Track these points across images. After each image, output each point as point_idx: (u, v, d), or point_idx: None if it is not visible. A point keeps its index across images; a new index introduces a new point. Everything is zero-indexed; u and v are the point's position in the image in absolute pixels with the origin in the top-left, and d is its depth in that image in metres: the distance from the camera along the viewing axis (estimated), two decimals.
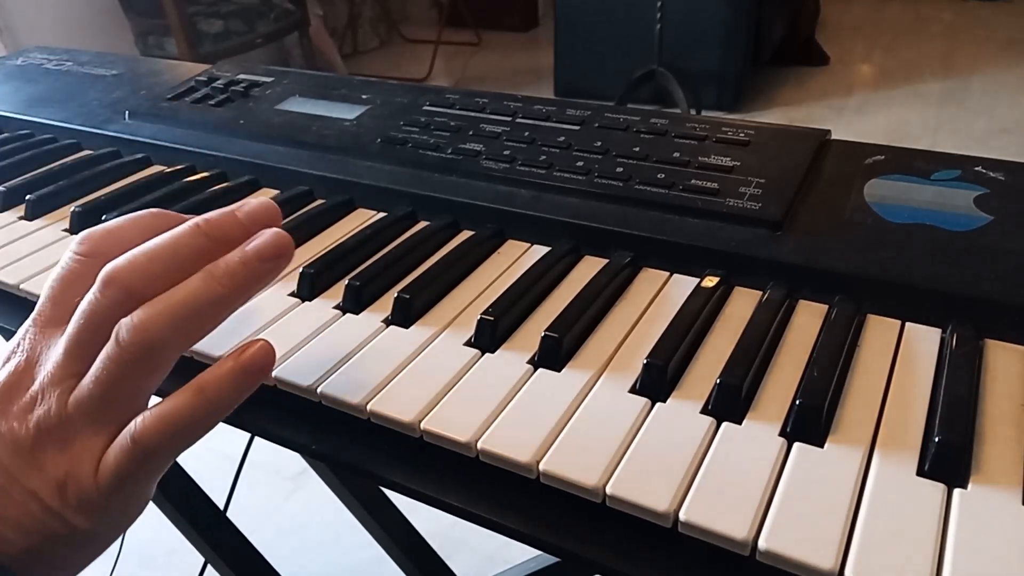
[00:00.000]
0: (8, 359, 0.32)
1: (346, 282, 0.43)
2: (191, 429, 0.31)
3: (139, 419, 0.31)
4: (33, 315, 0.33)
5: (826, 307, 0.40)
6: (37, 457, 0.30)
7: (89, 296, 0.31)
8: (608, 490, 0.30)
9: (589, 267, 0.45)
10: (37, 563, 0.30)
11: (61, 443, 0.30)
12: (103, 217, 0.52)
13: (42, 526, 0.30)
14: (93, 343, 0.31)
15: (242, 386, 0.32)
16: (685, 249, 0.44)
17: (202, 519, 0.88)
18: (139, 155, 0.63)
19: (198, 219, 0.33)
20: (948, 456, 0.30)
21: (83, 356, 0.31)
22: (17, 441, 0.30)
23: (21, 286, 0.47)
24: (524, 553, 1.08)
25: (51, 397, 0.31)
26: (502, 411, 0.35)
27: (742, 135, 0.51)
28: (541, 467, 0.32)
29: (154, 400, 0.32)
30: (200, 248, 0.33)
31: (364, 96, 0.63)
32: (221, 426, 0.37)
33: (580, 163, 0.50)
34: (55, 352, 0.31)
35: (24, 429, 0.30)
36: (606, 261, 0.45)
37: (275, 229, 0.33)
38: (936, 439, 0.30)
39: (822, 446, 0.32)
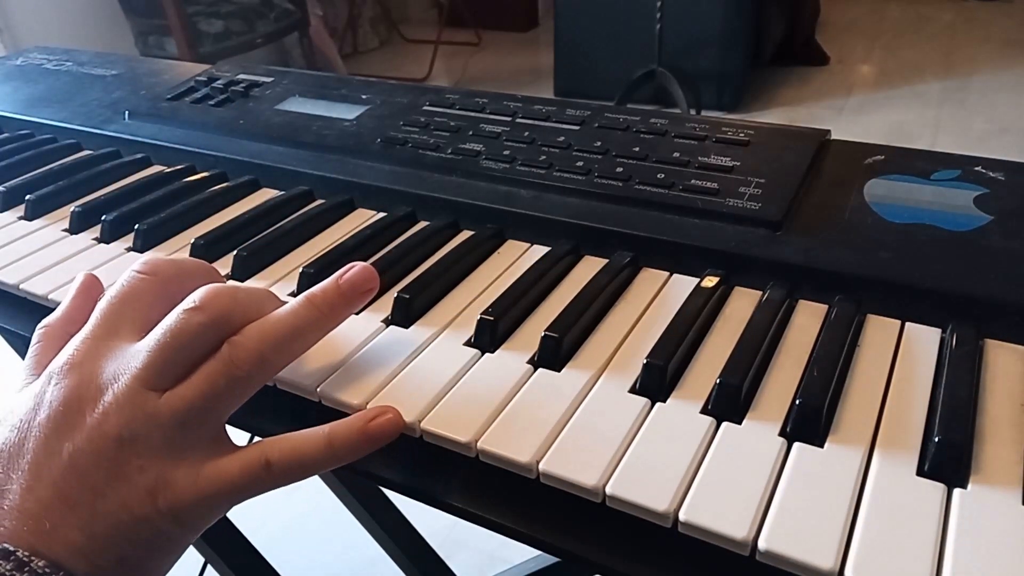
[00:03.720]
0: (65, 370, 0.32)
1: None
2: (310, 470, 0.33)
3: (273, 446, 0.32)
4: (90, 326, 0.33)
5: (826, 307, 0.40)
6: (122, 466, 0.30)
7: (180, 313, 0.32)
8: (608, 490, 0.30)
9: (589, 267, 0.45)
10: (127, 572, 0.30)
11: (149, 451, 0.30)
12: (103, 218, 0.52)
13: (132, 534, 0.30)
14: (178, 358, 0.31)
15: (364, 449, 0.33)
16: (685, 249, 0.44)
17: None
18: (139, 155, 0.63)
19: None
20: (948, 456, 0.30)
21: (166, 369, 0.31)
22: (99, 452, 0.30)
23: (21, 286, 0.47)
24: (524, 553, 1.08)
25: (133, 406, 0.30)
26: (502, 411, 0.35)
27: (742, 135, 0.51)
28: (541, 467, 0.32)
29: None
30: (270, 299, 0.36)
31: (364, 96, 0.63)
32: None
33: (580, 163, 0.50)
34: (130, 362, 0.31)
35: (104, 439, 0.30)
36: (606, 261, 0.45)
37: (364, 263, 0.37)
38: (936, 439, 0.30)
39: (822, 446, 0.32)
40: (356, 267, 0.37)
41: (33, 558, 0.27)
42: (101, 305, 0.34)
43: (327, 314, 0.35)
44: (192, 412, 0.31)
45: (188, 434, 0.31)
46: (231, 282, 0.35)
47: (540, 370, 0.37)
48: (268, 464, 0.32)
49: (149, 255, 0.36)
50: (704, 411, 0.34)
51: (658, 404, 0.35)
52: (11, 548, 0.27)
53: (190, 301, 0.32)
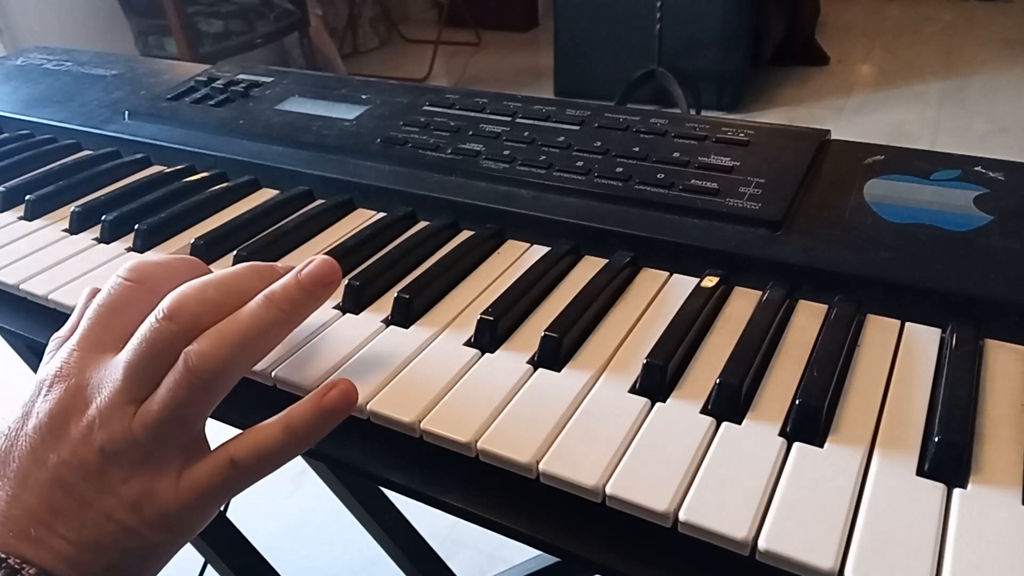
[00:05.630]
0: (54, 382, 0.32)
1: (346, 282, 0.43)
2: (278, 458, 0.33)
3: (237, 443, 0.32)
4: (77, 337, 0.33)
5: (826, 307, 0.40)
6: (107, 479, 0.30)
7: (152, 323, 0.32)
8: (608, 490, 0.30)
9: (589, 267, 0.45)
10: None
11: (131, 464, 0.31)
12: (103, 218, 0.52)
13: (119, 544, 0.30)
14: (154, 369, 0.32)
15: (325, 425, 0.33)
16: (685, 249, 0.44)
17: None
18: (139, 155, 0.63)
19: (255, 264, 0.37)
20: (948, 456, 0.30)
21: (144, 381, 0.31)
22: (84, 465, 0.30)
23: (21, 286, 0.47)
24: (524, 553, 1.08)
25: (114, 420, 0.31)
26: (502, 411, 0.35)
27: (742, 135, 0.51)
28: (541, 467, 0.32)
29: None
30: (257, 279, 0.35)
31: (364, 96, 0.63)
32: (220, 426, 0.38)
33: (580, 163, 0.50)
34: (111, 376, 0.32)
35: (89, 453, 0.30)
36: (606, 261, 0.45)
37: (324, 256, 0.36)
38: (936, 439, 0.30)
39: (822, 446, 0.32)
40: (316, 260, 0.36)
41: (24, 566, 0.28)
42: (88, 314, 0.34)
43: (288, 311, 0.34)
44: (163, 425, 0.31)
45: (166, 444, 0.31)
46: (203, 278, 0.34)
47: (540, 370, 0.37)
48: (235, 462, 0.32)
49: (141, 257, 0.36)
50: (704, 411, 0.34)
51: (658, 404, 0.35)
52: (3, 555, 0.28)
53: (160, 310, 0.32)
